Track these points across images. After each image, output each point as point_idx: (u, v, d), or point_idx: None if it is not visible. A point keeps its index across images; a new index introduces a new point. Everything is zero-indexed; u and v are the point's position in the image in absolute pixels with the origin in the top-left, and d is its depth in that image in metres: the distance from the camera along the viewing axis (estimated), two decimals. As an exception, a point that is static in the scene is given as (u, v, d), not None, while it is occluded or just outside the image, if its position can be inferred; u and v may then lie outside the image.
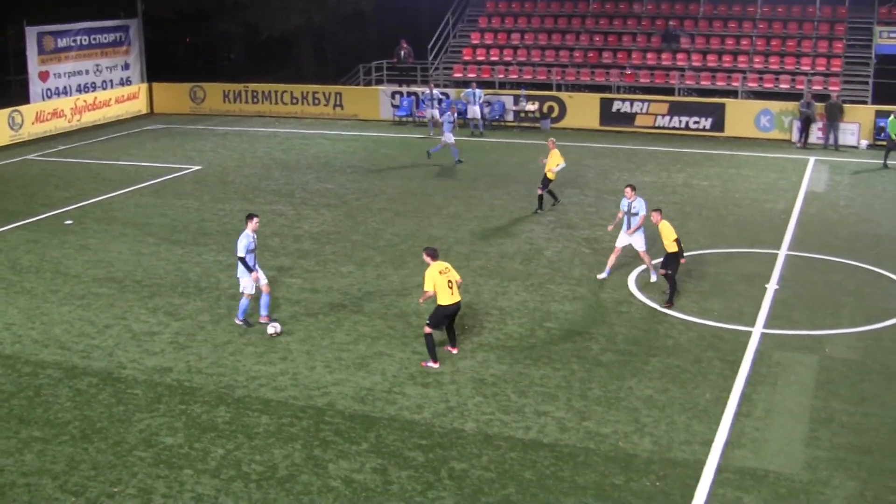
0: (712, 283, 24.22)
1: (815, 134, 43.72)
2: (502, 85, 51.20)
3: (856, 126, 43.55)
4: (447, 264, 19.58)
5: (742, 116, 45.36)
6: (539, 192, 31.63)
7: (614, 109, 47.22)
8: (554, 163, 31.37)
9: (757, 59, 49.48)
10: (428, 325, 19.43)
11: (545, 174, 31.57)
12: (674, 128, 46.18)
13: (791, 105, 44.64)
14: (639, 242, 24.46)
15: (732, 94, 47.76)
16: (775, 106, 45.21)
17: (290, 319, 21.85)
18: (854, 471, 15.43)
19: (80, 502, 14.67)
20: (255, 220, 21.30)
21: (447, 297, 19.19)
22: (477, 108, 46.23)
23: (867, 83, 47.48)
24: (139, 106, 54.17)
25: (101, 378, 18.99)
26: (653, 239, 24.33)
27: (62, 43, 50.85)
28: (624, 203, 24.65)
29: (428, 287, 19.23)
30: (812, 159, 40.37)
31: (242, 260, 20.91)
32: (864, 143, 43.39)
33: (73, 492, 14.92)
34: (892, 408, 17.63)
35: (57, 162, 41.04)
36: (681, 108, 46.46)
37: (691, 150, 41.95)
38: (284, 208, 31.97)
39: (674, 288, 22.97)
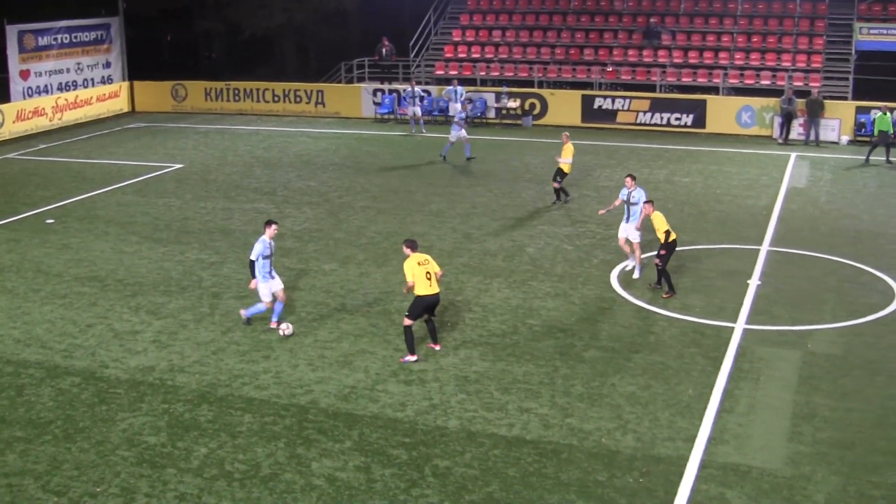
0: (694, 279, 24.27)
1: (797, 130, 43.86)
2: (484, 82, 51.18)
3: (836, 122, 43.71)
4: (427, 256, 19.62)
5: (723, 113, 45.46)
6: (555, 185, 32.17)
7: (596, 106, 47.27)
8: (569, 155, 31.65)
9: (738, 56, 49.59)
10: (407, 316, 19.50)
11: (560, 167, 31.85)
12: (655, 124, 46.25)
13: (772, 101, 44.75)
14: (634, 234, 24.55)
15: (714, 90, 47.85)
16: (756, 102, 45.32)
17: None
18: (837, 466, 15.48)
19: (62, 502, 14.62)
20: (274, 226, 21.06)
21: (425, 288, 19.26)
22: (458, 106, 46.22)
23: (848, 79, 47.64)
24: (121, 104, 53.98)
25: (84, 377, 18.93)
26: (649, 230, 24.35)
27: (43, 41, 50.63)
28: (623, 192, 24.81)
29: (408, 278, 19.32)
30: (793, 155, 40.49)
31: (252, 263, 20.74)
32: (844, 138, 43.55)
33: (56, 492, 14.87)
34: (873, 403, 17.71)
35: (38, 161, 40.86)
36: (662, 104, 46.54)
37: (673, 146, 42.02)
38: (266, 206, 31.91)
39: (668, 277, 23.17)
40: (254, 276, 20.90)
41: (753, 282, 24.17)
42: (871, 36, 48.65)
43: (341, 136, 45.90)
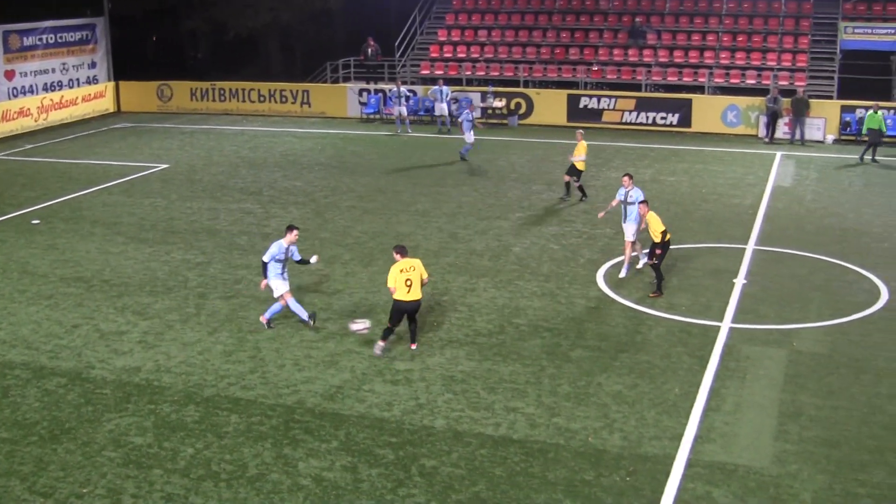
0: (680, 278, 24.31)
1: (782, 129, 43.98)
2: (469, 82, 51.17)
3: (822, 121, 43.84)
4: (413, 262, 19.62)
5: (709, 112, 45.56)
6: (568, 180, 32.43)
7: (581, 105, 47.33)
8: (582, 152, 31.92)
9: (723, 55, 49.69)
10: (389, 319, 19.80)
11: (573, 164, 32.04)
12: (641, 123, 46.33)
13: (757, 100, 44.88)
14: (630, 231, 24.60)
15: (699, 89, 47.94)
16: (742, 101, 45.44)
17: (260, 318, 21.76)
18: (823, 464, 15.52)
19: (48, 503, 14.58)
20: (295, 232, 21.10)
21: (403, 294, 19.41)
22: (444, 106, 46.21)
23: (833, 78, 47.76)
24: (106, 104, 53.90)
25: (70, 378, 18.87)
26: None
27: (28, 41, 50.45)
28: (621, 192, 24.96)
29: (390, 283, 19.51)
30: (779, 154, 40.59)
31: (264, 265, 20.81)
32: (830, 137, 43.68)
33: (42, 493, 14.83)
34: (859, 401, 17.75)
35: (23, 161, 40.75)
36: (648, 103, 46.62)
37: (658, 145, 42.08)
38: (252, 206, 31.86)
39: (661, 277, 23.24)
40: (265, 277, 20.90)
41: (739, 280, 24.22)
42: (855, 35, 48.80)
43: (327, 136, 45.86)
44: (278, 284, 21.01)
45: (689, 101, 46.13)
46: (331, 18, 67.61)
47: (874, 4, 50.47)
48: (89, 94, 52.89)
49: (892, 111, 42.01)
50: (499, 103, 47.71)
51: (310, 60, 61.62)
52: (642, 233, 24.40)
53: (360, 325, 20.29)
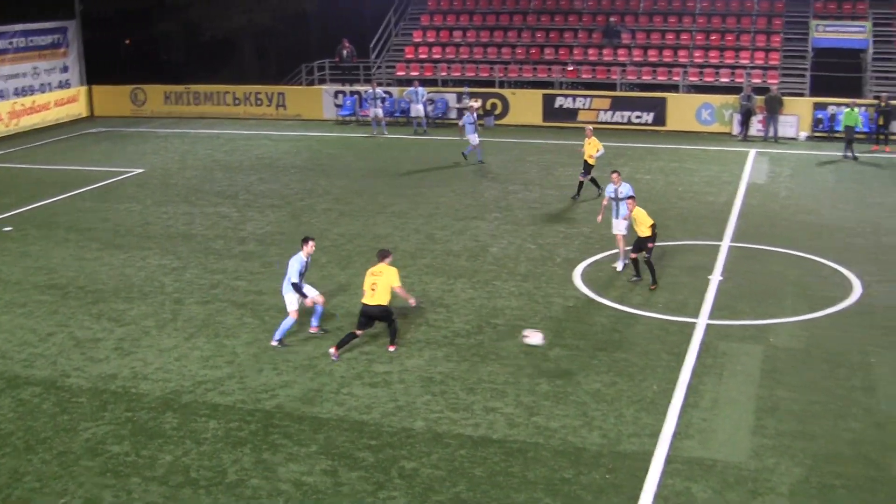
0: (657, 275, 24.33)
1: (756, 126, 44.14)
2: (445, 83, 51.19)
3: (795, 118, 44.02)
4: (383, 268, 19.58)
5: (683, 110, 45.70)
6: (581, 178, 32.56)
7: (557, 105, 47.39)
8: (594, 149, 32.09)
9: (697, 54, 49.82)
10: None
11: (585, 161, 32.20)
12: (616, 122, 46.42)
13: (731, 98, 45.05)
14: (621, 226, 24.83)
15: (673, 88, 48.06)
16: (716, 100, 45.60)
17: (237, 323, 21.72)
18: (800, 458, 15.60)
19: (26, 513, 14.52)
20: (311, 243, 20.82)
21: (365, 298, 19.58)
22: (420, 107, 46.21)
23: (805, 76, 47.96)
24: (79, 109, 53.64)
25: (45, 387, 18.76)
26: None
27: (-2, 45, 50.25)
28: (610, 189, 25.20)
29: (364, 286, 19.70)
30: (753, 151, 40.74)
31: (296, 286, 20.33)
32: (803, 134, 43.88)
33: None
34: (834, 395, 17.85)
35: (-4, 168, 40.56)
36: (623, 102, 46.73)
37: (634, 144, 42.18)
38: (228, 210, 31.78)
39: (653, 269, 23.57)
40: (305, 296, 20.44)
41: (715, 277, 24.31)
42: (826, 33, 49.05)
43: (303, 138, 45.79)
44: (293, 299, 20.58)
45: (664, 99, 46.24)
46: (306, 20, 67.60)
47: (844, 3, 50.72)
48: (62, 99, 52.64)
49: (864, 108, 42.13)
50: (475, 104, 47.69)
51: (285, 63, 61.46)
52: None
53: (534, 338, 19.36)
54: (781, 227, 28.90)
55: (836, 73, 46.70)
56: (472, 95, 48.03)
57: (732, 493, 14.61)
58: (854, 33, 48.86)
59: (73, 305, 23.25)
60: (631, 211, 23.68)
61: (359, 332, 19.75)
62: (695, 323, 21.30)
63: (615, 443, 16.14)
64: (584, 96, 47.29)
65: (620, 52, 50.61)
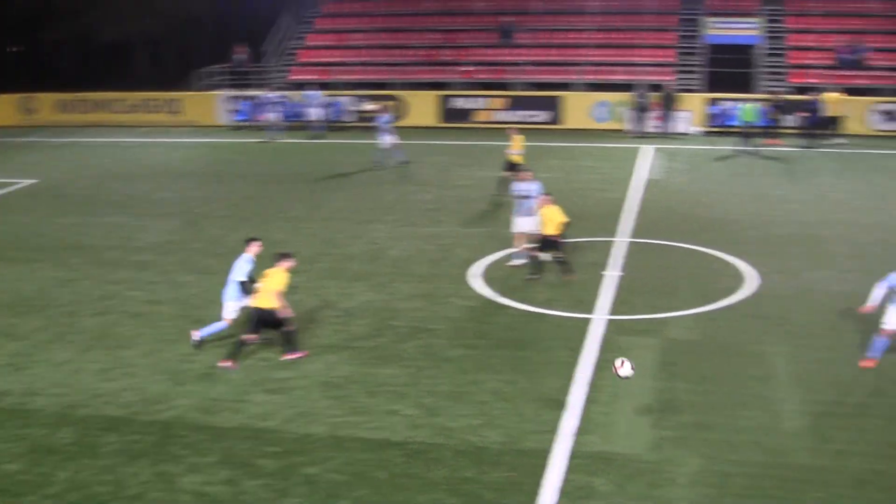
0: (556, 272, 24.51)
1: (651, 123, 44.73)
2: (341, 86, 51.03)
3: (689, 114, 44.74)
4: (273, 271, 19.39)
5: (579, 108, 46.22)
6: (506, 176, 32.32)
7: (453, 106, 47.56)
8: (517, 147, 32.50)
9: (592, 52, 50.31)
10: None
11: (509, 159, 32.38)
12: (513, 122, 46.60)
13: (626, 96, 45.58)
14: (529, 224, 24.88)
15: (569, 87, 48.46)
16: (611, 97, 46.14)
17: (133, 334, 21.40)
18: (698, 448, 15.79)
19: (-85, 537, 14.14)
20: (258, 243, 20.64)
21: (254, 300, 19.42)
22: (316, 111, 46.03)
23: (699, 72, 48.72)
24: (-35, 120, 52.54)
25: (-65, 405, 18.30)
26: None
27: None
28: (518, 187, 25.27)
29: None
30: (648, 147, 41.29)
31: (243, 284, 20.07)
32: (697, 129, 44.63)
33: None
34: (730, 385, 18.12)
35: None
36: (519, 102, 47.12)
37: (531, 143, 42.11)
38: (123, 219, 31.31)
39: (567, 262, 24.00)
40: (250, 293, 19.95)
41: (613, 273, 24.54)
42: (719, 30, 49.98)
43: (198, 145, 45.36)
44: (233, 307, 20.30)
45: (560, 98, 46.67)
46: (198, 25, 66.95)
47: (736, 0, 51.66)
48: (-52, 110, 51.53)
49: (759, 103, 42.94)
50: (371, 106, 47.65)
51: (179, 69, 60.88)
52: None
53: (625, 368, 16.88)
54: (677, 222, 29.31)
55: (728, 69, 47.57)
56: (369, 98, 47.97)
57: (633, 485, 14.73)
58: (746, 30, 49.86)
59: (-36, 321, 22.71)
60: (541, 208, 23.81)
61: (248, 337, 19.49)
62: (594, 318, 21.48)
63: (516, 440, 16.19)
64: (480, 97, 47.52)
65: (516, 51, 50.93)
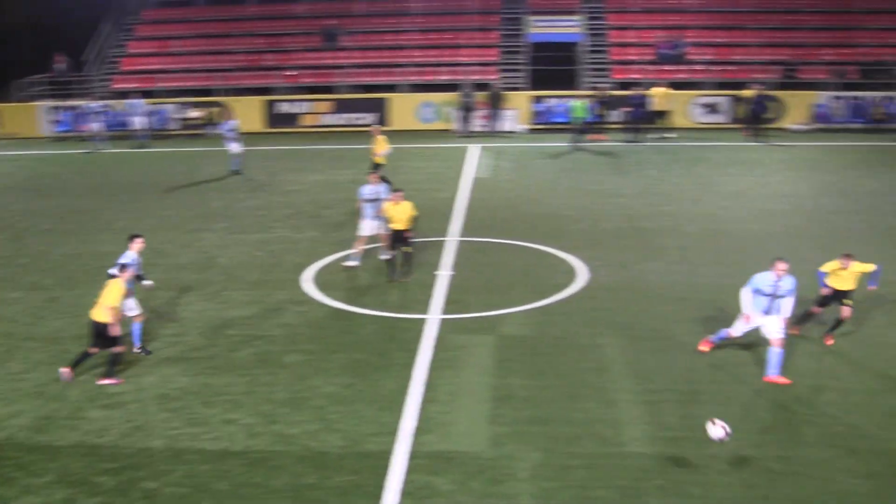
0: (387, 275, 24.62)
1: (478, 122, 45.24)
2: (165, 93, 50.23)
3: (515, 112, 45.41)
4: (110, 282, 19.01)
5: (405, 110, 46.49)
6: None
7: (279, 111, 47.35)
8: (381, 148, 32.19)
9: (416, 53, 50.63)
10: None
11: (373, 161, 32.13)
12: (339, 125, 46.84)
13: (452, 96, 46.00)
14: (370, 227, 25.05)
15: (395, 88, 48.68)
16: (437, 97, 46.50)
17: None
18: (536, 442, 16.08)
19: None
20: (140, 240, 20.37)
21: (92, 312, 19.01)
22: (140, 119, 45.24)
23: (523, 71, 49.48)
24: None
25: None
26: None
27: None
28: (366, 190, 25.22)
29: None
30: (476, 146, 41.75)
31: (139, 276, 19.86)
32: (523, 127, 45.30)
33: None
34: (566, 378, 18.50)
35: None
36: (344, 105, 47.19)
37: (358, 146, 42.41)
38: (-58, 237, 30.30)
39: (411, 262, 24.34)
40: (146, 282, 20.07)
41: (445, 273, 24.76)
42: (542, 28, 50.85)
43: (19, 157, 44.09)
44: (133, 305, 19.99)
45: (385, 100, 46.87)
46: (16, 35, 64.94)
47: (557, -3, 52.74)
48: None
49: (586, 99, 43.83)
50: (196, 113, 47.11)
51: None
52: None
53: (716, 430, 15.84)
54: (508, 219, 29.73)
55: (552, 67, 48.45)
56: (194, 105, 47.38)
57: (475, 482, 14.93)
58: (568, 27, 50.87)
59: None
60: (392, 205, 24.16)
61: (91, 350, 19.11)
62: (428, 319, 21.65)
63: (357, 443, 16.23)
64: (305, 101, 47.44)
65: (341, 54, 50.92)
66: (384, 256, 25.27)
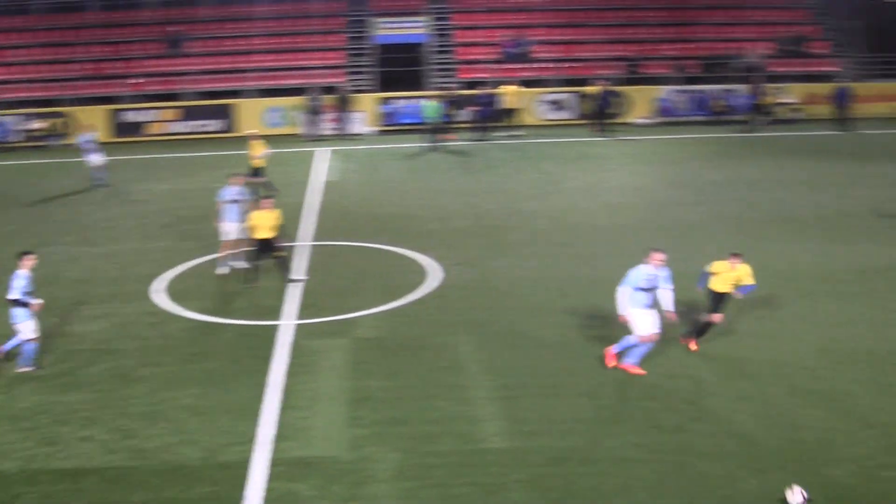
0: (237, 282, 24.44)
1: (326, 125, 45.18)
2: (6, 105, 48.87)
3: (363, 115, 45.48)
4: None
5: (252, 115, 46.21)
6: (259, 181, 31.87)
7: (124, 120, 46.59)
8: (257, 151, 32.06)
9: (262, 58, 50.31)
10: None
11: (252, 166, 31.92)
12: (186, 133, 46.28)
13: (299, 100, 45.85)
14: (237, 230, 24.76)
15: (241, 94, 48.31)
16: (284, 102, 46.31)
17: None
18: (395, 443, 16.14)
19: None
20: (32, 257, 19.86)
21: None
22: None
23: (370, 73, 49.56)
24: None
25: None
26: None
27: None
28: (226, 192, 25.01)
29: None
30: (325, 150, 41.67)
31: (17, 302, 19.16)
32: (371, 129, 45.43)
33: None
34: (419, 377, 18.63)
35: None
36: (191, 112, 46.69)
37: (206, 153, 42.08)
38: None
39: (288, 266, 24.36)
40: (31, 303, 19.47)
41: (298, 277, 24.67)
42: (387, 30, 51.05)
43: None
44: (29, 326, 19.52)
45: (232, 106, 46.48)
46: None
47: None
48: None
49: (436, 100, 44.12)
50: (39, 125, 46.05)
51: None
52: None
53: (798, 498, 14.59)
54: (359, 222, 29.77)
55: (399, 69, 48.68)
56: (36, 116, 46.33)
57: (337, 486, 14.91)
58: (413, 28, 51.14)
59: None
60: (256, 213, 23.89)
61: None
62: (283, 325, 21.56)
63: (215, 454, 16.05)
64: (152, 108, 46.75)
65: (186, 61, 50.29)
66: (222, 270, 25.07)
